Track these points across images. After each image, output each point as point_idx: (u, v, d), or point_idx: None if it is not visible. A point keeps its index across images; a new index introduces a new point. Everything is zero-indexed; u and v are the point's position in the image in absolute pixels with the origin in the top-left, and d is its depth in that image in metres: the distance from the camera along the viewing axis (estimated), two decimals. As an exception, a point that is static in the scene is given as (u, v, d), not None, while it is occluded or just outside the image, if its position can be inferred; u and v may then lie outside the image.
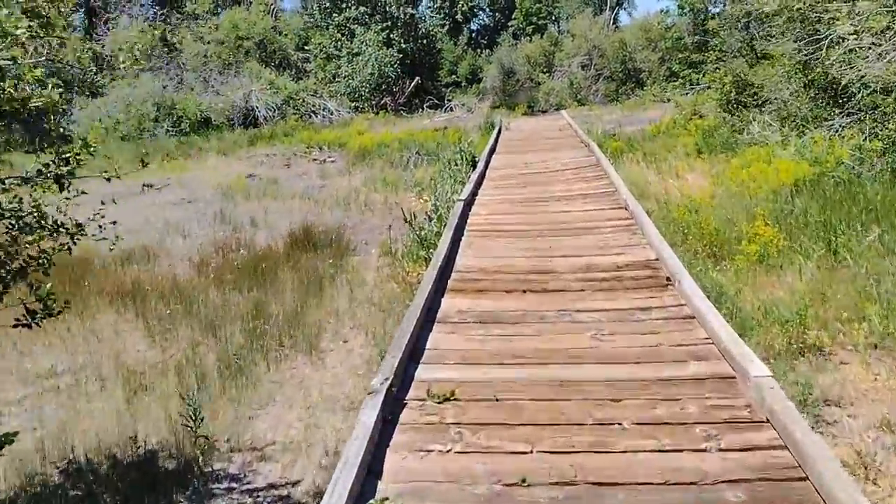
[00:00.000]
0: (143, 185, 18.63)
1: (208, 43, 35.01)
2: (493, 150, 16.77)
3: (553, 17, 76.74)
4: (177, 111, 29.09)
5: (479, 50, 77.97)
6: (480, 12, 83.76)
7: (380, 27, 34.93)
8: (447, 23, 39.73)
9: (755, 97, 17.30)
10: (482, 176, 12.97)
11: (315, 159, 21.33)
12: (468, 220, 9.36)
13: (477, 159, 15.25)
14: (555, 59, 50.12)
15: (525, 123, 25.38)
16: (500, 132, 21.10)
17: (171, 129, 28.64)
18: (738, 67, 18.07)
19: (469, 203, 10.31)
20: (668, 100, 35.98)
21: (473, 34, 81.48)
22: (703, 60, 21.38)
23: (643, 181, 13.25)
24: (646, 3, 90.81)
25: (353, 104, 34.96)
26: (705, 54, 20.14)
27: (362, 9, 35.98)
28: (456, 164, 14.55)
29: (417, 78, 35.50)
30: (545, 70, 47.49)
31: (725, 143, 15.15)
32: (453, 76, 74.58)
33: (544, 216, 9.43)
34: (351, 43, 35.46)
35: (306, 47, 37.62)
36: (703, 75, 22.74)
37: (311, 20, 39.88)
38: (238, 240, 12.20)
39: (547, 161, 14.52)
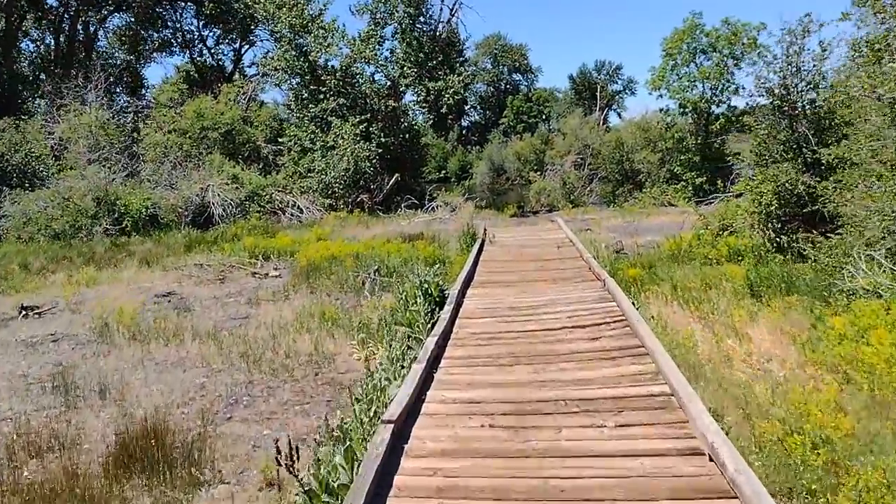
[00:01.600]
0: (22, 309, 13.63)
1: (170, 132, 30.94)
2: (469, 281, 11.94)
3: (543, 116, 74.35)
4: (118, 207, 24.62)
5: (469, 146, 75.33)
6: (472, 110, 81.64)
7: (357, 119, 30.91)
8: (432, 117, 35.81)
9: (813, 215, 12.93)
10: (446, 337, 8.22)
11: (255, 273, 16.75)
12: (396, 476, 4.61)
13: (446, 292, 10.63)
14: (545, 157, 47.06)
15: (514, 234, 20.56)
16: (482, 248, 16.51)
17: (110, 227, 24.12)
18: (782, 175, 13.76)
19: (408, 418, 5.56)
20: (670, 203, 31.96)
21: (464, 130, 79.06)
22: (734, 163, 17.17)
23: (687, 339, 8.61)
24: (636, 105, 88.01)
25: (325, 201, 30.68)
26: (738, 157, 15.85)
27: (341, 100, 32.07)
28: (415, 303, 9.86)
29: (397, 174, 31.32)
30: (536, 168, 43.86)
31: (787, 281, 10.63)
32: (443, 172, 71.65)
33: (550, 465, 4.67)
34: (326, 136, 31.42)
35: (280, 139, 33.58)
36: (733, 183, 18.47)
37: (289, 111, 36.17)
38: (56, 433, 7.43)
39: (545, 305, 9.71)
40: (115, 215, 24.57)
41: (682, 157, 33.16)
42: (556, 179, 37.27)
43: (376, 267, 14.34)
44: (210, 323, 12.31)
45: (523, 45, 79.75)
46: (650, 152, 34.62)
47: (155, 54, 42.25)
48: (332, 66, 33.02)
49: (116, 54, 39.43)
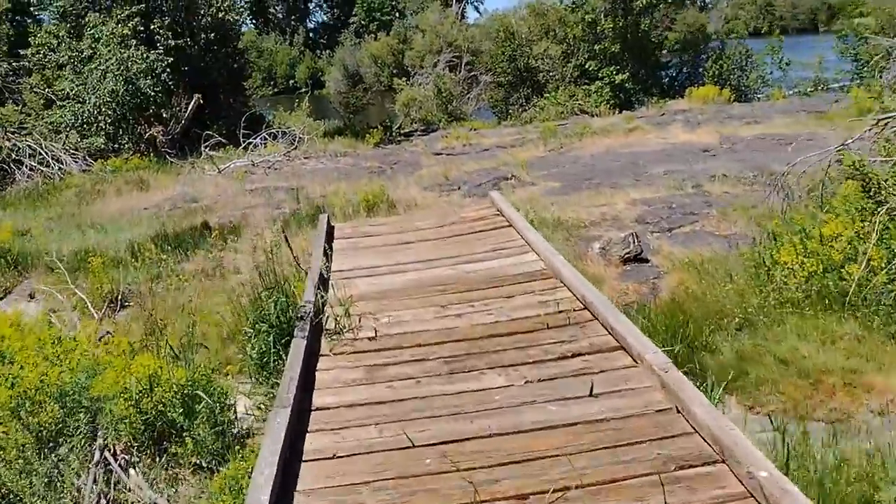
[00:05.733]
0: None
1: None
2: None
3: (397, 12, 62.06)
4: None
5: (318, 52, 61.97)
6: (317, 9, 67.58)
7: (126, 12, 18.41)
8: (249, 5, 23.31)
9: None
10: None
11: None
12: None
13: None
14: (405, 59, 36.55)
15: (401, 253, 6.75)
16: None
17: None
18: None
19: None
20: (582, 111, 22.17)
21: (311, 33, 65.30)
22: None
23: None
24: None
25: (94, 141, 18.50)
26: None
27: (103, -12, 19.35)
28: None
29: (197, 95, 19.30)
30: (397, 73, 32.92)
31: None
32: (291, 82, 58.28)
33: None
34: (80, 42, 18.83)
35: (21, 52, 20.54)
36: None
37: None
38: None
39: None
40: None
41: (594, 48, 23.02)
42: (429, 87, 26.31)
43: None
44: None
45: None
46: (551, 43, 24.15)
47: None
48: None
49: None
